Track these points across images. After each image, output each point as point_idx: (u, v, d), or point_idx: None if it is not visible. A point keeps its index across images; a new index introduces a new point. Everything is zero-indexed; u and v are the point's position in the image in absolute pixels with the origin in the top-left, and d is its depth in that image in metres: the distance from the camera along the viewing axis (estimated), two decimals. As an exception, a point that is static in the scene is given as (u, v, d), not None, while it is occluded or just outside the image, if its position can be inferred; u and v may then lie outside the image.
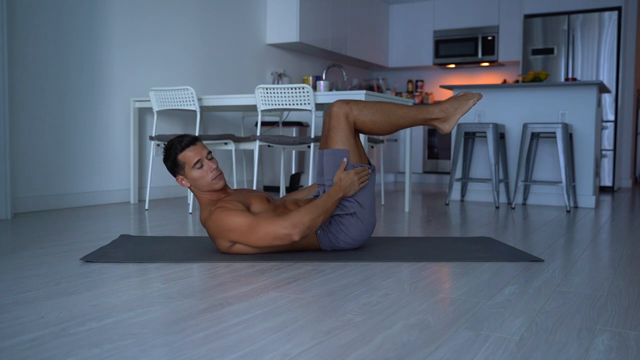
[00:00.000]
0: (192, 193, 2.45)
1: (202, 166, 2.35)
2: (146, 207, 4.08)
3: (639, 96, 7.48)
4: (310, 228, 2.23)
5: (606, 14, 6.31)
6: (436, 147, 7.28)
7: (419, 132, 7.37)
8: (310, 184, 3.68)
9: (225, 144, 4.19)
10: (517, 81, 6.88)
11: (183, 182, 2.39)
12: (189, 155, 2.35)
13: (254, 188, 3.55)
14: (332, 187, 2.33)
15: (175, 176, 2.42)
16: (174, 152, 2.37)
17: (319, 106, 4.23)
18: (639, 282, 2.03)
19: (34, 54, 3.83)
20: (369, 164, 2.49)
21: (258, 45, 5.95)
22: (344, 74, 4.79)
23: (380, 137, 5.27)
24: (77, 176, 4.15)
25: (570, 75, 6.46)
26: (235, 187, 4.21)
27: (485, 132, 4.69)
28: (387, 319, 1.55)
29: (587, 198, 4.61)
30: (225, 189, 2.43)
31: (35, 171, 3.86)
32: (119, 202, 4.47)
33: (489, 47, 7.27)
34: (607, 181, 6.33)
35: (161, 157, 4.87)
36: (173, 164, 2.38)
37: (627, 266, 2.31)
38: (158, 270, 2.13)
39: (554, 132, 4.44)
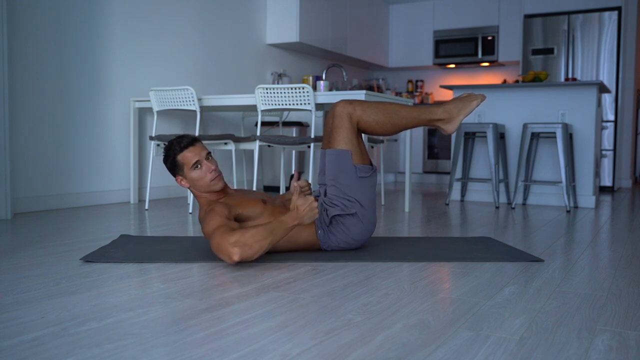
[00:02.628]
0: (192, 193, 2.44)
1: (200, 167, 2.34)
2: (146, 207, 4.08)
3: (639, 96, 7.48)
4: (253, 250, 2.04)
5: (606, 14, 6.31)
6: (436, 147, 7.28)
7: (419, 132, 7.37)
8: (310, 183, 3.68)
9: (225, 144, 4.19)
10: (517, 81, 6.88)
11: (182, 182, 2.39)
12: (187, 156, 2.34)
13: (254, 188, 3.55)
14: (288, 213, 2.16)
15: (174, 177, 2.41)
16: (173, 152, 2.36)
17: (319, 106, 4.23)
18: (639, 282, 2.03)
19: (34, 54, 3.83)
20: (371, 164, 2.49)
21: (258, 45, 5.95)
22: (344, 74, 4.79)
23: (381, 137, 5.27)
24: (77, 176, 4.15)
25: (570, 75, 6.46)
26: (235, 188, 4.21)
27: (485, 132, 4.69)
28: (387, 319, 1.55)
29: (587, 198, 4.61)
30: (224, 189, 2.43)
31: (35, 171, 3.86)
32: (119, 202, 4.47)
33: (489, 47, 7.27)
34: (607, 181, 6.33)
35: (161, 157, 4.87)
36: (172, 165, 2.37)
37: (627, 266, 2.31)
38: (158, 270, 2.12)
39: (554, 132, 4.44)
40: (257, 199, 2.39)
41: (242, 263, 2.24)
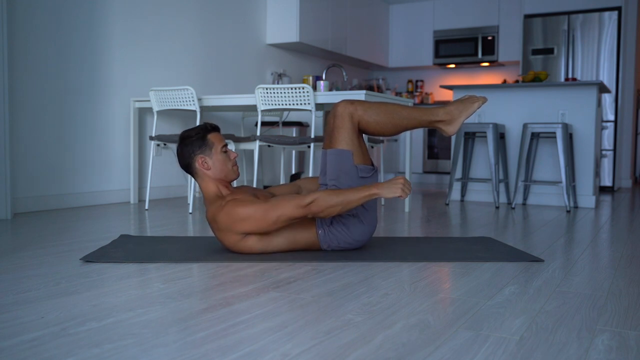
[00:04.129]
0: (196, 187, 2.43)
1: (226, 152, 2.40)
2: (146, 207, 4.08)
3: (639, 96, 7.48)
4: (325, 214, 2.21)
5: (606, 14, 6.31)
6: (436, 147, 7.29)
7: (419, 132, 7.37)
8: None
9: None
10: (517, 81, 6.87)
11: (204, 164, 2.36)
12: (218, 138, 2.40)
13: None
14: (376, 184, 2.26)
15: (194, 157, 2.37)
16: (204, 131, 2.39)
17: (319, 106, 4.23)
18: (639, 282, 2.03)
19: (34, 54, 3.83)
20: (372, 164, 2.49)
21: (258, 45, 5.96)
22: (344, 74, 4.79)
23: (381, 137, 5.27)
24: (77, 176, 4.15)
25: (570, 75, 6.46)
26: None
27: (485, 132, 4.69)
28: (387, 319, 1.55)
29: (587, 198, 4.61)
30: (229, 187, 2.44)
31: (35, 171, 3.86)
32: (119, 202, 4.47)
33: (489, 47, 7.27)
34: (607, 181, 6.33)
35: (162, 155, 4.87)
36: (202, 142, 2.37)
37: (627, 266, 2.31)
38: (158, 270, 2.13)
39: (554, 132, 4.44)
40: (265, 194, 2.44)
41: (241, 263, 2.24)
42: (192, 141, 2.38)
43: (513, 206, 4.48)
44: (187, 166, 2.41)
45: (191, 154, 2.38)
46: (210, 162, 2.37)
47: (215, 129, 2.43)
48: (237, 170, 2.44)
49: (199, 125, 2.42)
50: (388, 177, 7.40)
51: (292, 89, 3.67)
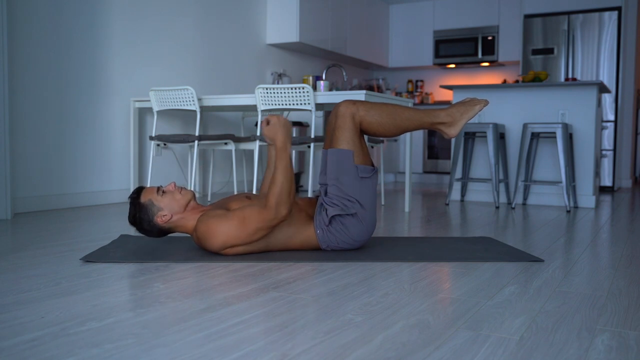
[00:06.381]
0: (196, 187, 2.41)
1: (164, 191, 2.35)
2: (146, 207, 4.08)
3: (639, 96, 7.48)
4: (288, 195, 2.24)
5: (606, 14, 6.31)
6: (436, 147, 7.29)
7: (419, 132, 7.37)
8: (310, 184, 3.68)
9: (225, 144, 4.19)
10: (517, 81, 6.88)
11: (164, 217, 2.32)
12: (146, 194, 2.34)
13: (254, 188, 3.56)
14: (276, 149, 2.28)
15: (153, 222, 2.33)
16: (135, 201, 2.33)
17: (319, 106, 4.23)
18: (639, 282, 2.03)
19: (34, 53, 3.83)
20: (372, 165, 2.49)
21: (258, 45, 5.96)
22: (344, 74, 4.79)
23: (381, 138, 5.27)
24: (77, 176, 4.15)
25: (570, 75, 6.46)
26: (235, 188, 4.21)
27: (485, 132, 4.69)
28: (387, 319, 1.55)
29: (587, 198, 4.61)
30: (199, 206, 2.41)
31: (35, 171, 3.86)
32: (119, 202, 4.47)
33: (489, 47, 7.27)
34: (607, 181, 6.33)
35: (162, 156, 4.87)
36: (144, 209, 2.32)
37: (627, 266, 2.31)
38: (158, 270, 2.13)
39: (554, 132, 4.44)
40: (240, 197, 2.41)
41: (241, 263, 2.24)
42: (140, 217, 2.33)
43: (513, 206, 4.48)
44: (160, 232, 2.37)
45: (150, 223, 2.33)
46: (165, 211, 2.32)
47: (138, 191, 2.36)
48: (185, 190, 2.38)
49: (130, 206, 2.35)
50: (388, 177, 7.40)
51: (292, 89, 3.67)
